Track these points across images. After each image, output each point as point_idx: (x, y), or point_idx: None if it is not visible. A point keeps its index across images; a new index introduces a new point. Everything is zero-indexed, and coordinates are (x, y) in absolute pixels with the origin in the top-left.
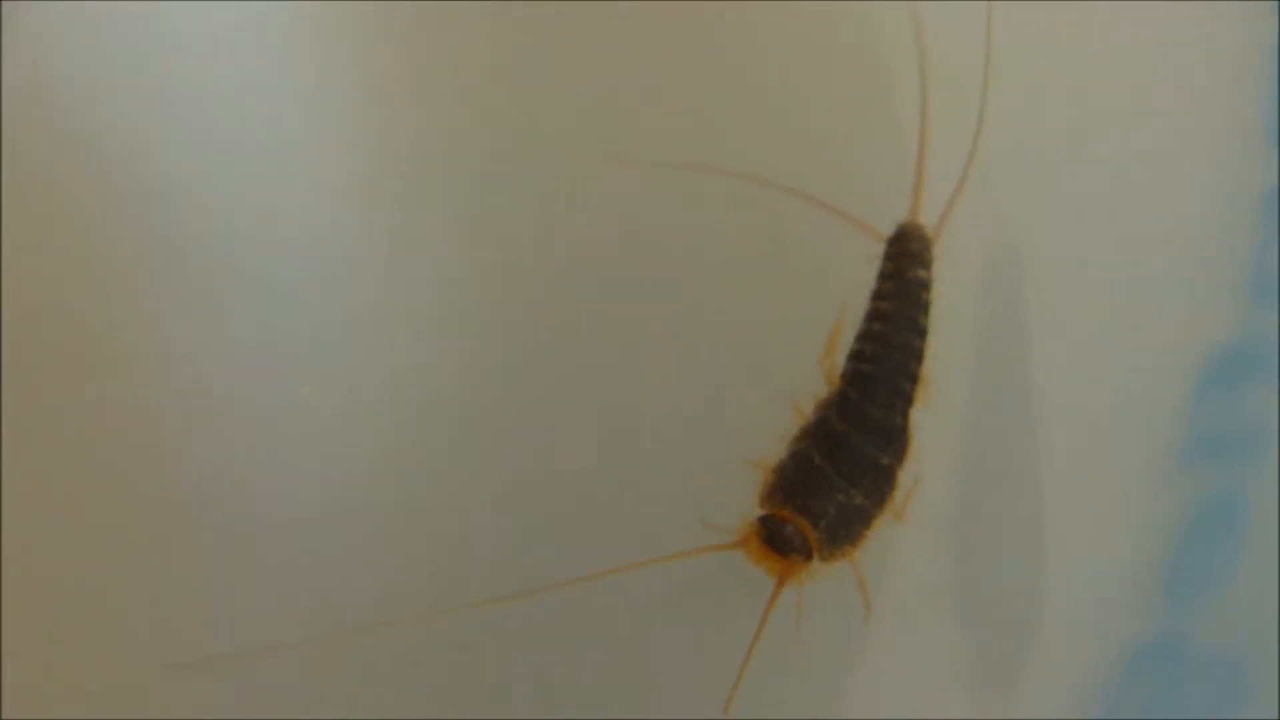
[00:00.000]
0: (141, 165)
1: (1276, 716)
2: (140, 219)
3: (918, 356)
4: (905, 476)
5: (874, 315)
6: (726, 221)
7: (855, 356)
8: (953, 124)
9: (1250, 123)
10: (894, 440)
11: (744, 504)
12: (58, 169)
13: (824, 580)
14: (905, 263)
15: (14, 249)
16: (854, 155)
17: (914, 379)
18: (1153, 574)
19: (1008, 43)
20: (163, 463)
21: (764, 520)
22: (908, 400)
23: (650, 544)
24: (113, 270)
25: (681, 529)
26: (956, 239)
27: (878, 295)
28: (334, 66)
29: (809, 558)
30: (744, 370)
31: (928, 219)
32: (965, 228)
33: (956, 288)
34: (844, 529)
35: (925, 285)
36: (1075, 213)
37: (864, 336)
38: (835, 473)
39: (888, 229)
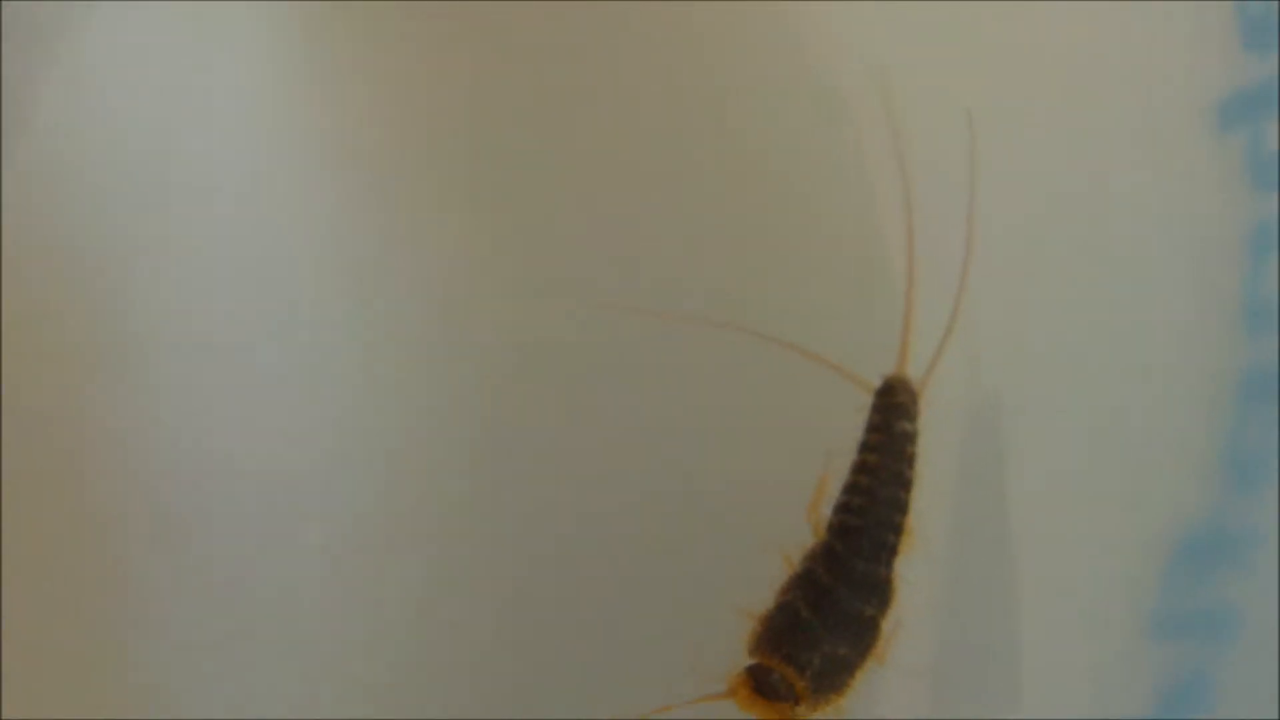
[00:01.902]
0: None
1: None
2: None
3: (902, 509)
4: (888, 624)
5: (860, 468)
6: (718, 372)
7: (841, 509)
8: (938, 279)
9: (1229, 304)
10: (878, 591)
11: (733, 652)
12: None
13: None
14: (892, 415)
15: (15, 250)
16: (843, 308)
17: (898, 531)
18: None
19: (992, 205)
20: (164, 463)
21: (752, 669)
22: (892, 552)
23: (642, 692)
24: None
25: (672, 678)
26: (939, 389)
27: (865, 447)
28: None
29: (796, 704)
30: (733, 519)
31: (914, 372)
32: (948, 379)
33: (939, 436)
34: (829, 678)
35: (911, 438)
36: (1055, 370)
37: (850, 489)
38: (821, 625)
39: (876, 381)
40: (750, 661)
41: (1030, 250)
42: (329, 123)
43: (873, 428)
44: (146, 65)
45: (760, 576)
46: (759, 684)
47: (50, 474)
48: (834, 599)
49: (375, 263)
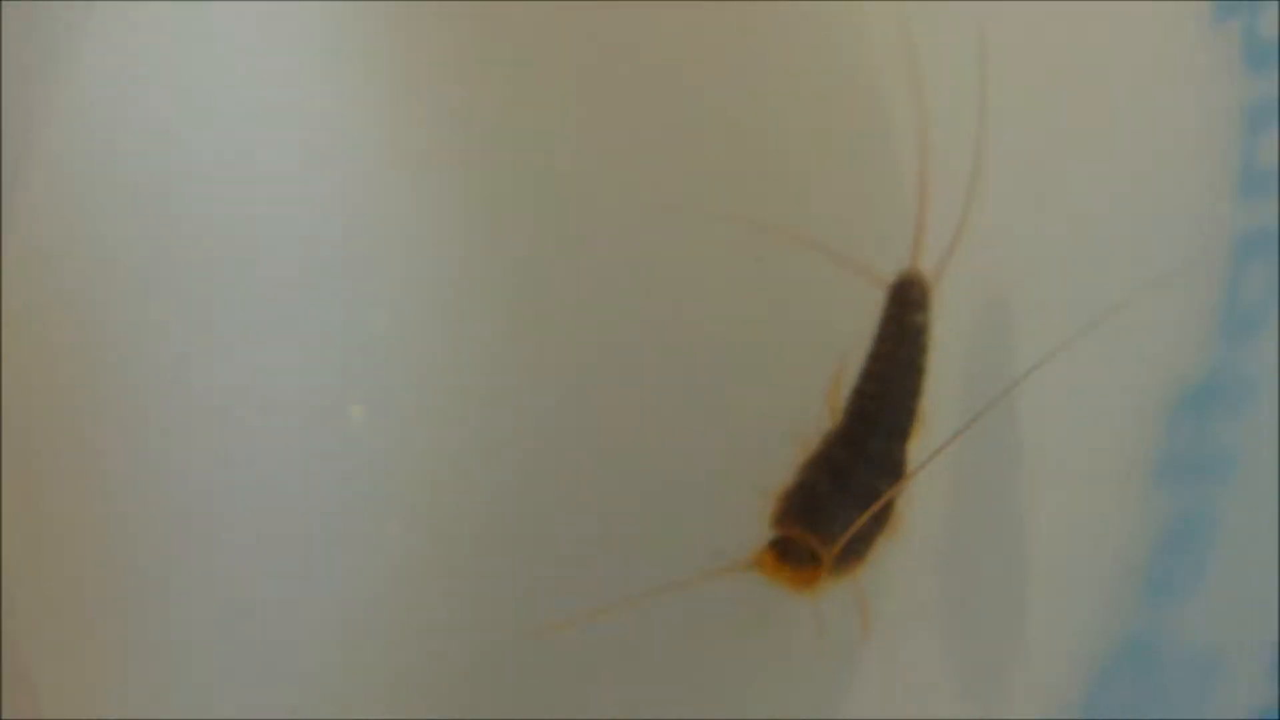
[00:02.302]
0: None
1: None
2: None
3: (915, 394)
4: (901, 502)
5: (876, 357)
6: (737, 269)
7: (858, 394)
8: (950, 174)
9: (1229, 175)
10: (892, 469)
11: (753, 533)
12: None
13: (826, 599)
14: (905, 309)
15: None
16: (859, 210)
17: (911, 414)
18: (1131, 580)
19: (1002, 98)
20: (166, 464)
21: (777, 541)
22: (905, 434)
23: (666, 573)
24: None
25: (697, 558)
26: (949, 282)
27: (879, 338)
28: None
29: (819, 571)
30: (754, 409)
31: (927, 266)
32: (958, 271)
33: (949, 326)
34: (849, 547)
35: (923, 329)
36: (1060, 257)
37: (866, 376)
38: (840, 497)
39: (890, 277)
40: (774, 534)
41: (1037, 146)
42: (333, 119)
43: (887, 320)
44: (148, 62)
45: (781, 462)
46: (784, 553)
47: (51, 472)
48: (852, 474)
49: (379, 260)
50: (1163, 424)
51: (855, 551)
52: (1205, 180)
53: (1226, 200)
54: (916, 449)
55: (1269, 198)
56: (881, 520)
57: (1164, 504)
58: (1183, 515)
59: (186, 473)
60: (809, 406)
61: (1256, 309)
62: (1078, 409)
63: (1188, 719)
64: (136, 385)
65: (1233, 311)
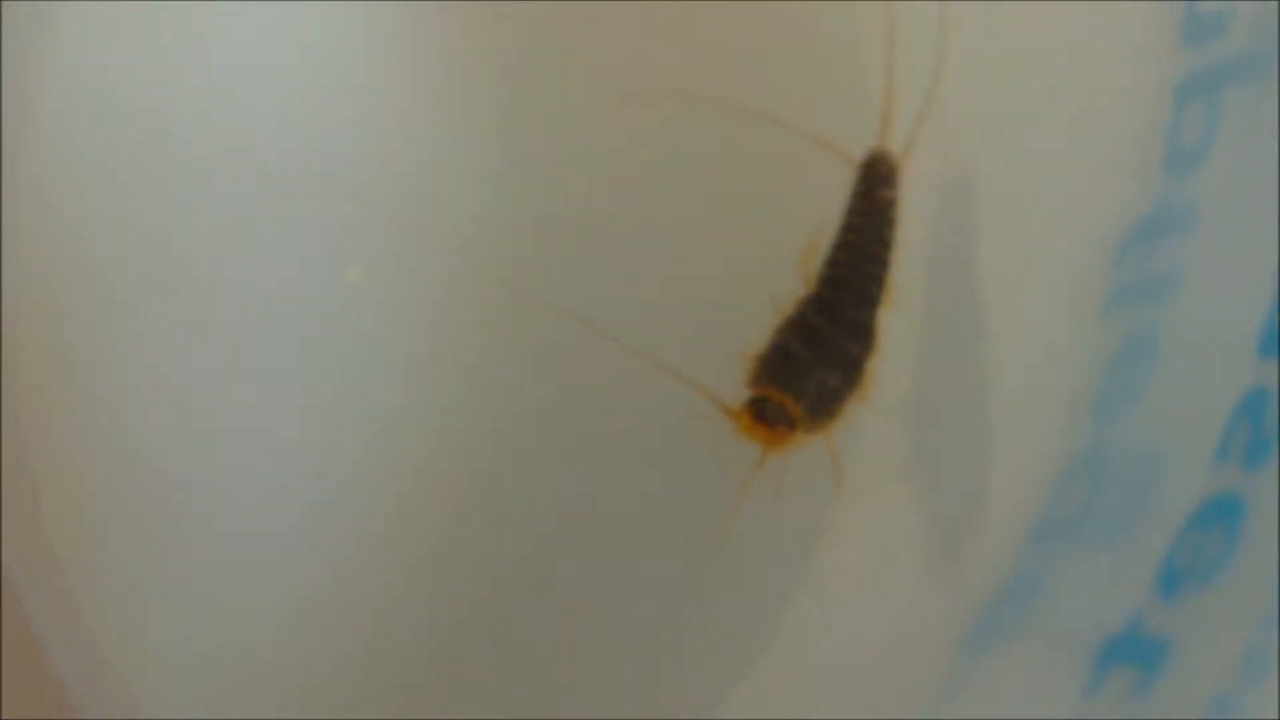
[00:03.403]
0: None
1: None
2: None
3: (884, 264)
4: (871, 366)
5: (847, 229)
6: (712, 148)
7: (830, 263)
8: (916, 58)
9: (1162, 21)
10: (863, 334)
11: (731, 397)
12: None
13: (800, 455)
14: (874, 185)
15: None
16: (829, 91)
17: (881, 284)
18: (1082, 399)
19: None
20: (168, 463)
21: (752, 400)
22: (875, 301)
23: (649, 430)
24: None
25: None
26: (915, 159)
27: (850, 212)
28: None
29: (792, 429)
30: (731, 279)
31: (895, 143)
32: (923, 149)
33: (915, 201)
34: (821, 405)
35: (891, 204)
36: (1018, 122)
37: (838, 248)
38: (813, 358)
39: (860, 155)
40: (750, 394)
41: (997, 31)
42: (338, 114)
43: (857, 195)
44: (152, 51)
45: (757, 329)
46: (759, 412)
47: (53, 472)
48: (824, 337)
49: (382, 260)
50: (1112, 257)
51: (829, 409)
52: (1149, 33)
53: (1169, 49)
54: (886, 318)
55: (1208, 43)
56: (853, 380)
57: (1114, 327)
58: (1130, 336)
59: (191, 472)
60: (784, 277)
61: (1196, 145)
62: (1033, 252)
63: (1131, 516)
64: (139, 379)
65: (1174, 148)
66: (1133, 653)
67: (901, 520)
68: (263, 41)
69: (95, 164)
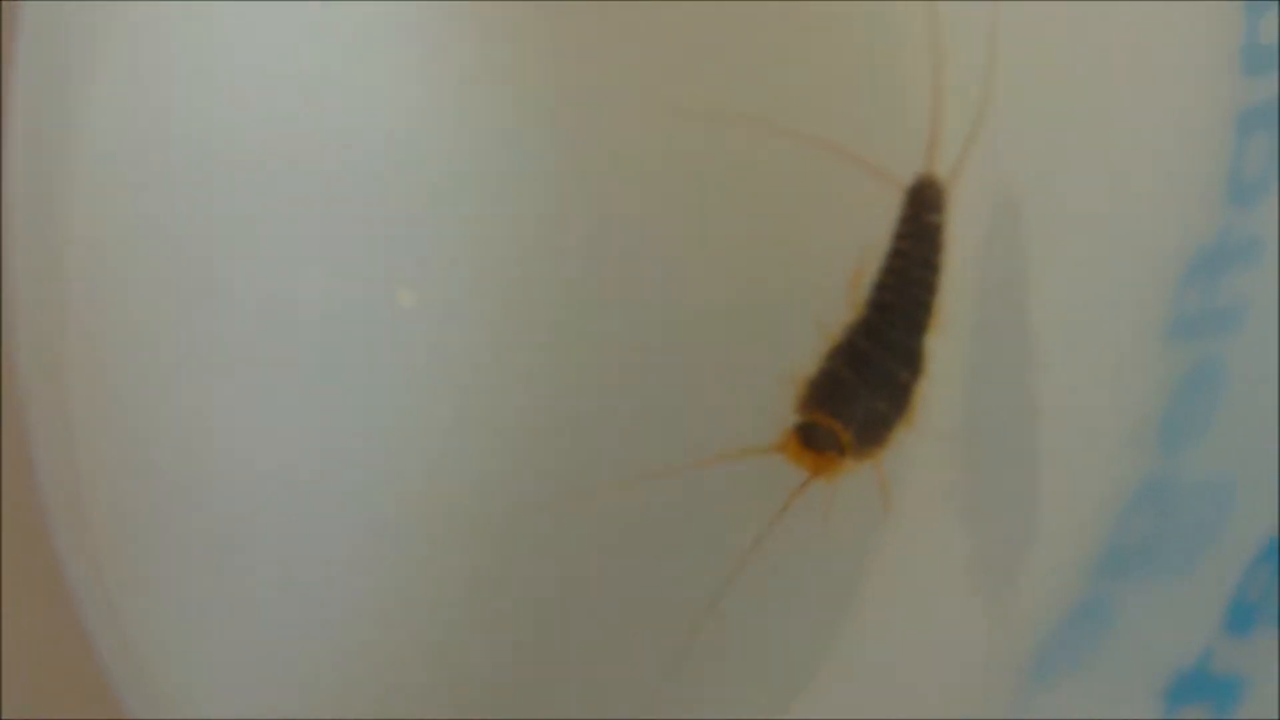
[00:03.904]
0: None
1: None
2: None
3: (932, 289)
4: (919, 392)
5: (895, 254)
6: (760, 171)
7: (879, 289)
8: (964, 82)
9: (1222, 49)
10: (911, 359)
11: (778, 420)
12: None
13: (850, 481)
14: (922, 210)
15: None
16: (878, 116)
17: (928, 309)
18: (1147, 429)
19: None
20: (173, 464)
21: (800, 425)
22: (923, 327)
23: (693, 456)
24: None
25: (723, 443)
26: (964, 185)
27: (898, 237)
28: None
29: (841, 455)
30: (780, 303)
31: (942, 170)
32: (972, 174)
33: (963, 226)
34: (870, 432)
35: (939, 229)
36: (1072, 146)
37: (886, 272)
38: (861, 384)
39: (907, 180)
40: (798, 419)
41: (1048, 51)
42: (341, 113)
43: (905, 220)
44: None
45: (807, 352)
46: (807, 437)
47: (54, 471)
48: (872, 362)
49: (385, 257)
50: (1175, 285)
51: (877, 436)
52: (1210, 62)
53: (1230, 79)
54: (934, 343)
55: (1269, 75)
56: (901, 407)
57: (1179, 356)
58: (1196, 365)
59: (197, 474)
60: (832, 301)
61: (1259, 177)
62: (1090, 278)
63: (1200, 548)
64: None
65: (1237, 180)
66: (1205, 690)
67: (952, 548)
68: (309, 51)
69: (132, 174)
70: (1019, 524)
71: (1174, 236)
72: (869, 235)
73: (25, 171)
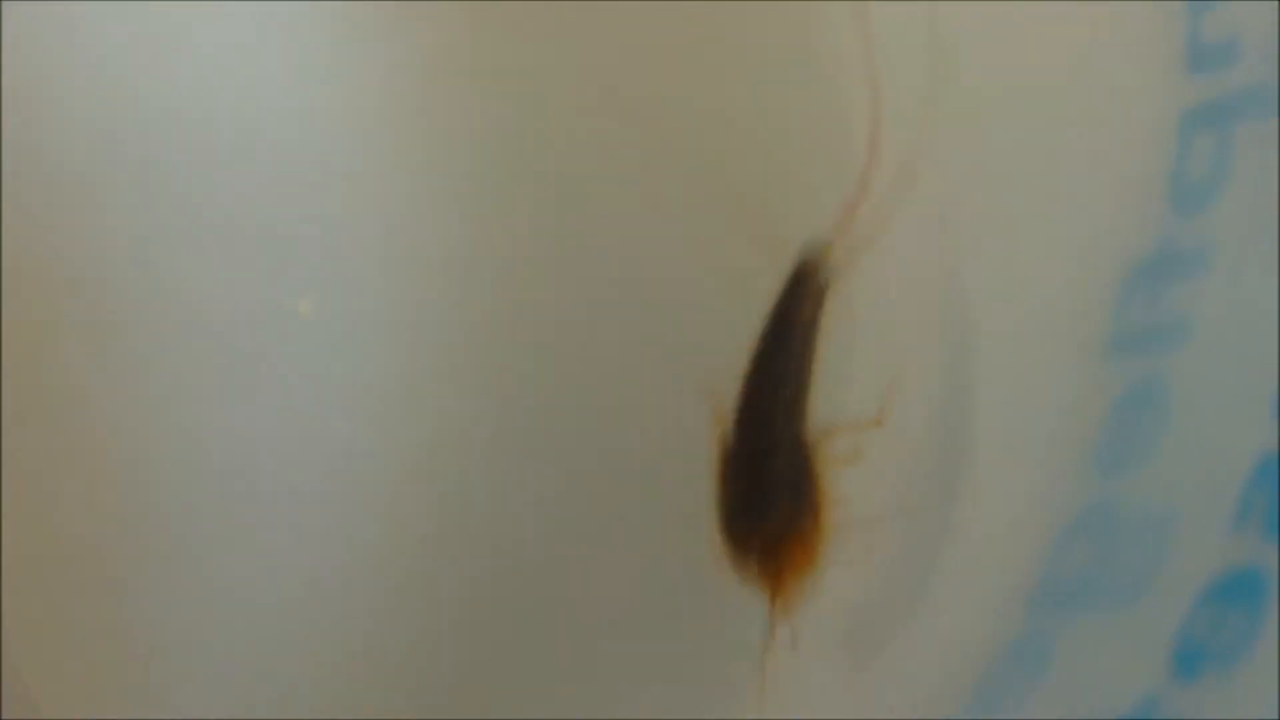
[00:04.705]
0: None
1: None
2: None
3: (807, 377)
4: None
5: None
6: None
7: (747, 387)
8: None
9: (1163, 48)
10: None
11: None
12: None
13: None
14: (799, 300)
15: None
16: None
17: (805, 392)
18: (1085, 452)
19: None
20: (169, 462)
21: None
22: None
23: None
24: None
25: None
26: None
27: (770, 325)
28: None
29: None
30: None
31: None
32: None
33: (899, 234)
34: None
35: (815, 324)
36: (1006, 150)
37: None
38: (766, 484)
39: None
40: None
41: (981, 48)
42: (341, 111)
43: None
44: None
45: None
46: (764, 557)
47: (55, 469)
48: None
49: (384, 254)
50: (1113, 297)
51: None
52: (1151, 60)
53: (1173, 78)
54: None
55: (1215, 73)
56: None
57: (1117, 374)
58: (1136, 384)
59: (192, 475)
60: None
61: (1205, 182)
62: (1025, 290)
63: (1140, 583)
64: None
65: (1181, 184)
66: None
67: (881, 581)
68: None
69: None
70: (949, 554)
71: (1112, 245)
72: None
73: None
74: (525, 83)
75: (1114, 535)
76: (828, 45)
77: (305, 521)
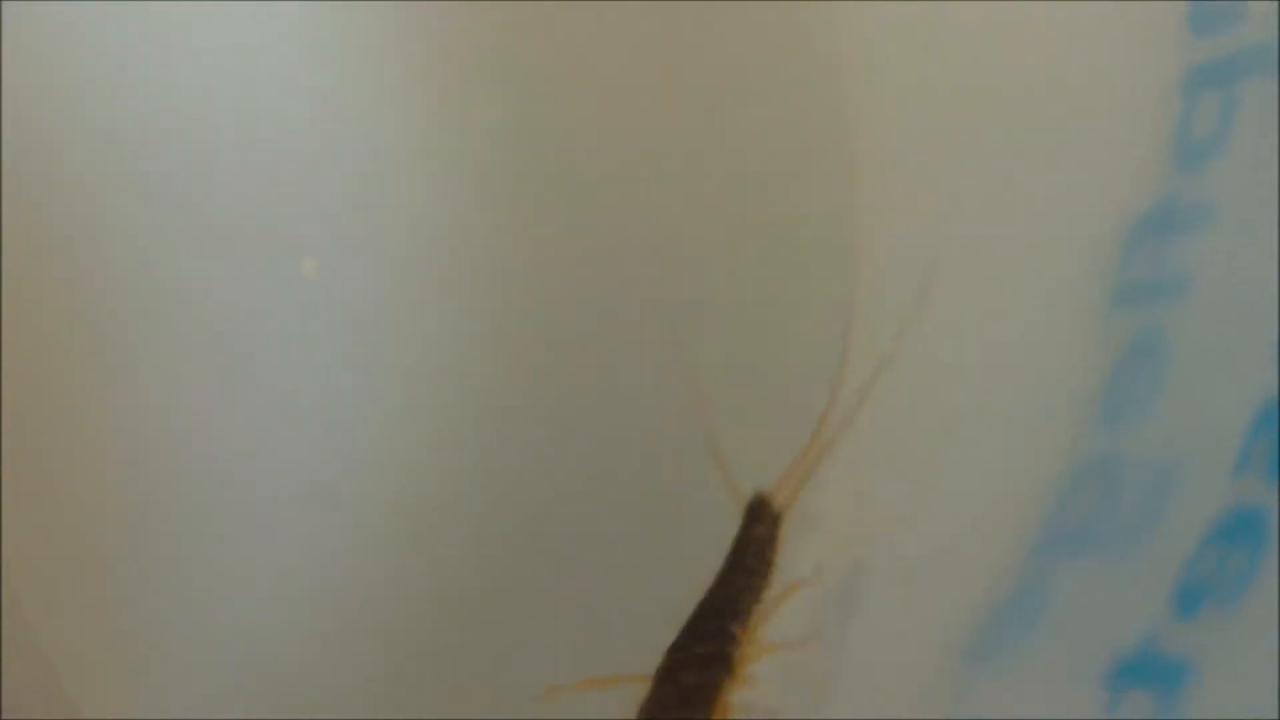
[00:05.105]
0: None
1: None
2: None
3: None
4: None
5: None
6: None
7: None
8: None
9: (1165, 8)
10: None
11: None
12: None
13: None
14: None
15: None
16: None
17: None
18: (1088, 404)
19: None
20: (165, 460)
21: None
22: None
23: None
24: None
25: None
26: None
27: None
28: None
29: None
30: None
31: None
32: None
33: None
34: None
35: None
36: (1008, 108)
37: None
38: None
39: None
40: None
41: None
42: (341, 111)
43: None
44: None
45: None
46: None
47: (55, 468)
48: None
49: (380, 255)
50: (1117, 253)
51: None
52: (1155, 19)
53: (1176, 37)
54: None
55: (1218, 33)
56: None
57: (1121, 327)
58: (1139, 336)
59: (186, 470)
60: None
61: (1209, 140)
62: (1035, 250)
63: (1143, 527)
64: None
65: (1184, 142)
66: (1149, 675)
67: (888, 528)
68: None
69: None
70: (956, 501)
71: (1116, 202)
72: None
73: None
74: (528, 82)
75: (1118, 482)
76: None
77: (304, 522)
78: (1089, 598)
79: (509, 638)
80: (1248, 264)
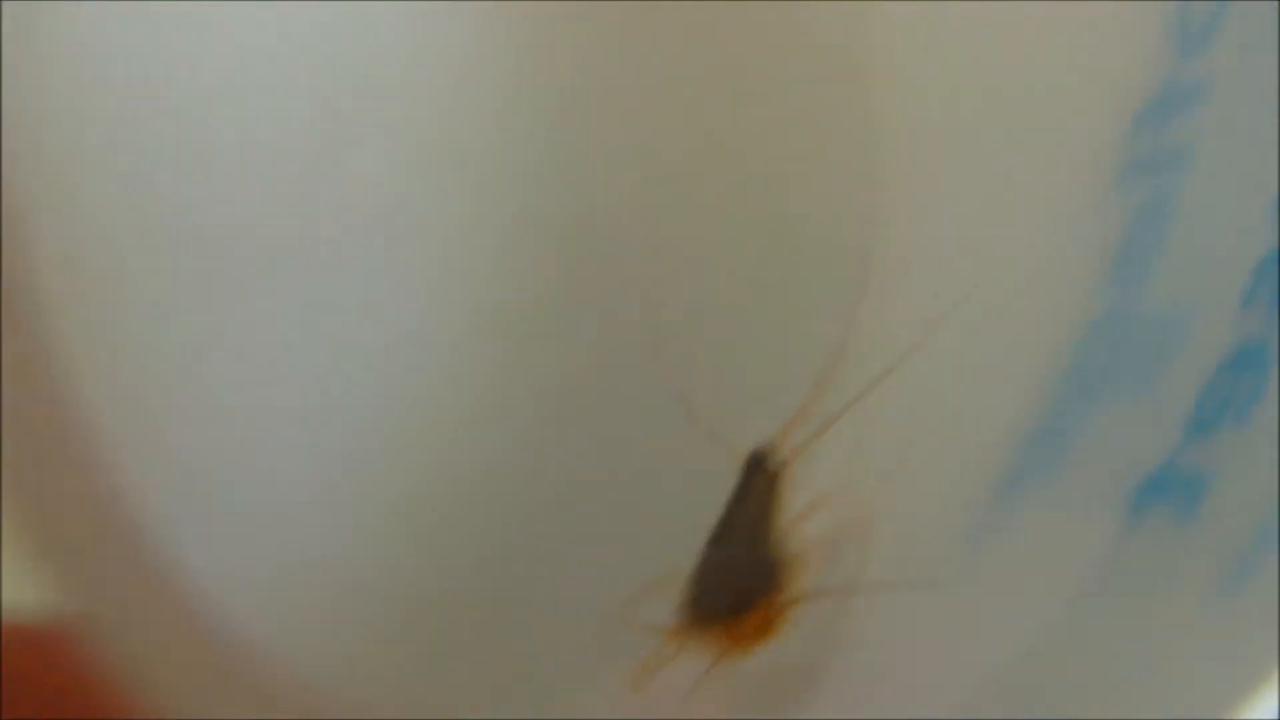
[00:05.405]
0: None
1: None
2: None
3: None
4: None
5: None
6: None
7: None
8: None
9: None
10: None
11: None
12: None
13: None
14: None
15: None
16: None
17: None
18: (1101, 267)
19: None
20: (162, 459)
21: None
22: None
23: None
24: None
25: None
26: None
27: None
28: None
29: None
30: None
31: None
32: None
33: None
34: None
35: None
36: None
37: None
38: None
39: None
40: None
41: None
42: (335, 109)
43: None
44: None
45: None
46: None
47: (51, 468)
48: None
49: (380, 255)
50: (1123, 130)
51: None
52: None
53: None
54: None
55: None
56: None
57: (1129, 196)
58: (1146, 203)
59: (184, 469)
60: None
61: (1205, 25)
62: (1048, 127)
63: (1156, 369)
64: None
65: (1184, 28)
66: (1169, 488)
67: (920, 370)
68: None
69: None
70: (973, 353)
71: (1123, 83)
72: None
73: None
74: (531, 80)
75: (1130, 334)
76: None
77: (304, 522)
78: (1111, 429)
79: (509, 637)
80: (1246, 132)
